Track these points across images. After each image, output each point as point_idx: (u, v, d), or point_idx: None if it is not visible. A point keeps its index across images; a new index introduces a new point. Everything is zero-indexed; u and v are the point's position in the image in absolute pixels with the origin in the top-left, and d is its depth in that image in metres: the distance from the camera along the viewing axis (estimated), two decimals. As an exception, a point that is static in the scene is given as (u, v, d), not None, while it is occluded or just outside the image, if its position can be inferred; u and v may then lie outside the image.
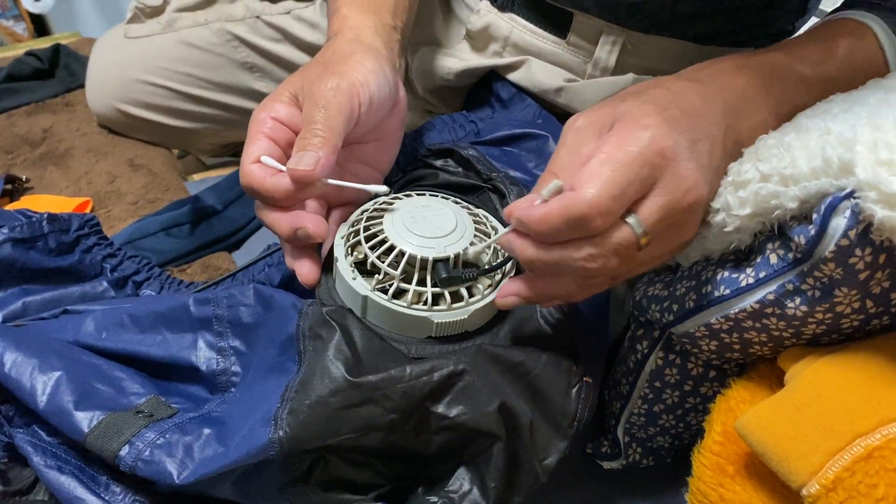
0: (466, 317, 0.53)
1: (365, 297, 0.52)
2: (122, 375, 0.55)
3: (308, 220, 0.52)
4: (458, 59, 0.76)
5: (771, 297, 0.47)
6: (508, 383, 0.51)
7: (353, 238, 0.55)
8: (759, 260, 0.48)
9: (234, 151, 1.15)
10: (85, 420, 0.49)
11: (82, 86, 1.07)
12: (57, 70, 1.17)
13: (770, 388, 0.53)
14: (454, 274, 0.52)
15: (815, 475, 0.43)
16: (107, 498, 0.50)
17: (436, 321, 0.52)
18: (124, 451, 0.48)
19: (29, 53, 1.17)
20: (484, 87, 0.77)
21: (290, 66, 0.94)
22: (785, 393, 0.48)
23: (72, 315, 0.63)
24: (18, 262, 0.66)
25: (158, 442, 0.49)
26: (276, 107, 0.54)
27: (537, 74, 0.72)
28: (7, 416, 0.55)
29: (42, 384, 0.50)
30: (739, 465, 0.51)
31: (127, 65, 0.98)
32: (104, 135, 1.04)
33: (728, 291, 0.49)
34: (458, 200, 0.61)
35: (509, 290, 0.50)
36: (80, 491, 0.50)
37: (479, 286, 0.55)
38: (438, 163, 0.67)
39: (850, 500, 0.42)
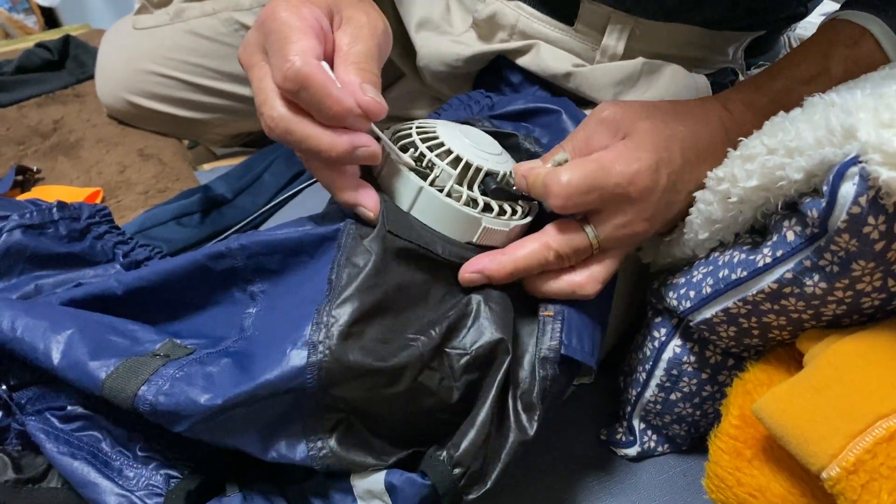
0: (508, 230, 0.54)
1: (420, 189, 0.52)
2: (135, 328, 0.54)
3: (366, 139, 0.50)
4: (465, 45, 0.75)
5: (789, 275, 0.46)
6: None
7: (405, 140, 0.55)
8: (775, 238, 0.48)
9: (243, 141, 1.15)
10: (102, 368, 0.48)
11: (92, 77, 1.07)
12: (67, 61, 1.18)
13: (788, 370, 0.52)
14: (505, 187, 0.54)
15: (836, 458, 0.42)
16: (120, 482, 0.50)
17: (484, 224, 0.53)
18: (143, 389, 0.47)
19: (39, 45, 1.17)
20: (493, 72, 0.76)
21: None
22: (804, 375, 0.47)
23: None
24: (29, 247, 0.65)
25: (177, 375, 0.48)
26: (316, 11, 0.51)
27: (546, 59, 0.71)
28: (19, 403, 0.54)
29: (56, 343, 0.50)
30: (757, 449, 0.51)
31: (135, 56, 0.97)
32: (114, 125, 1.04)
33: (745, 273, 0.49)
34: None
35: (474, 268, 0.52)
36: (93, 476, 0.49)
37: (518, 209, 0.56)
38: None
39: (872, 482, 0.41)
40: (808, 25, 0.84)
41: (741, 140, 0.50)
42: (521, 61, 0.73)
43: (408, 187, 0.53)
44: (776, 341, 0.53)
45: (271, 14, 0.49)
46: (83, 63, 1.16)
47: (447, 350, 0.50)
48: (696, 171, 0.53)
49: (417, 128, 0.56)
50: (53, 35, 1.34)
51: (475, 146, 0.55)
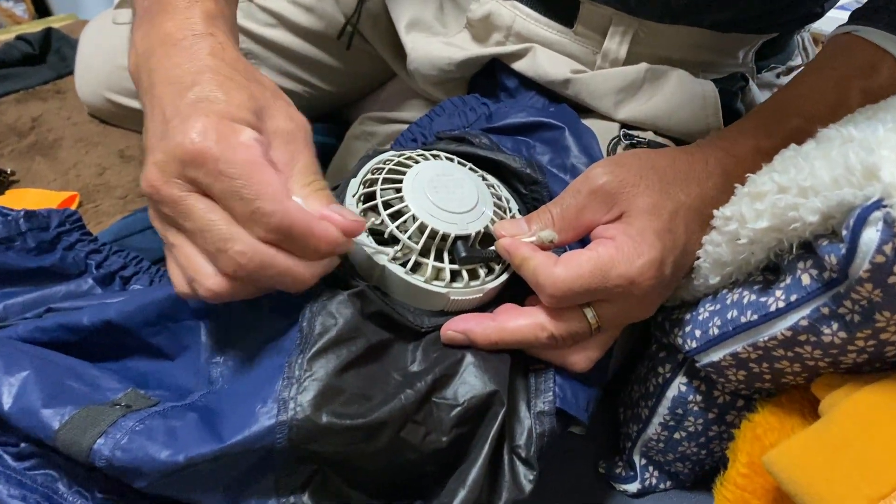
0: (482, 295, 0.50)
1: (382, 268, 0.49)
2: (96, 373, 0.51)
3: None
4: (458, 48, 0.70)
5: (804, 322, 0.42)
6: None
7: (366, 201, 0.51)
8: (789, 281, 0.43)
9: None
10: (56, 417, 0.45)
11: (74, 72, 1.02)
12: (48, 55, 1.13)
13: (802, 414, 0.48)
14: (474, 253, 0.50)
15: (855, 525, 0.38)
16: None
17: (452, 298, 0.49)
18: (100, 442, 0.44)
19: (19, 38, 1.13)
20: (488, 76, 0.72)
21: (285, 53, 0.88)
22: (821, 427, 0.43)
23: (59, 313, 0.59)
24: (-4, 264, 0.62)
25: (137, 428, 0.44)
26: (249, 133, 0.44)
27: (543, 64, 0.66)
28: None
29: (8, 386, 0.46)
30: (767, 500, 0.47)
31: (115, 52, 0.92)
32: (95, 124, 0.99)
33: (756, 317, 0.45)
34: (475, 168, 0.57)
35: (459, 327, 0.48)
36: (45, 520, 0.46)
37: (495, 265, 0.52)
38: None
39: (896, 555, 0.37)
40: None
41: (749, 176, 0.46)
42: (518, 66, 0.68)
43: (372, 264, 0.49)
44: (790, 385, 0.49)
45: (202, 151, 0.40)
46: (65, 57, 1.11)
47: (435, 400, 0.47)
48: (701, 235, 0.50)
49: (383, 184, 0.51)
50: (35, 27, 1.29)
51: (444, 204, 0.50)
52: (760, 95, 0.72)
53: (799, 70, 0.77)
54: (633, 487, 0.61)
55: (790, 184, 0.41)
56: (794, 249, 0.43)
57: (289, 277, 0.43)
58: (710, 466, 0.59)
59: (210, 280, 0.43)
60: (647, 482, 0.60)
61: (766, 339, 0.44)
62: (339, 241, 0.43)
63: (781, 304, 0.43)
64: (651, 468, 0.60)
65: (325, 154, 0.93)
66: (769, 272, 0.47)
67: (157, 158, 0.42)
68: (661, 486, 0.61)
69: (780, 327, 0.43)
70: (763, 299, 0.45)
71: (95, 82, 0.95)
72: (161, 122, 0.43)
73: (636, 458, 0.60)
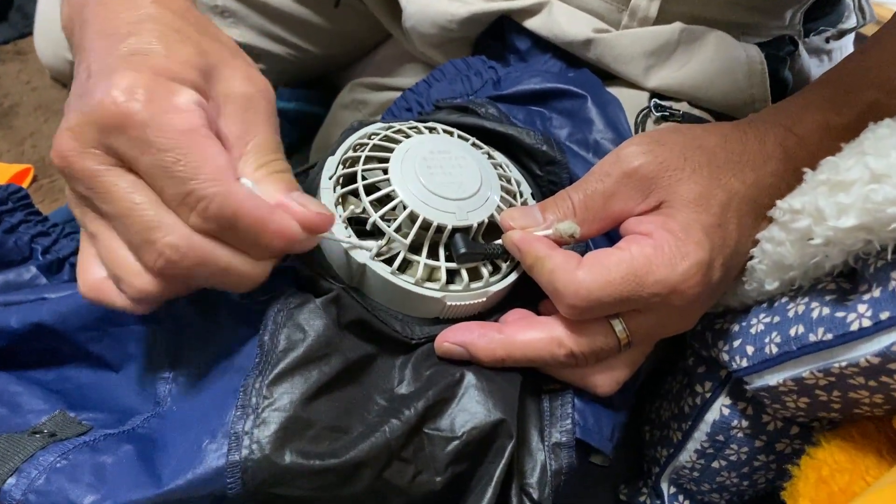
0: (485, 299, 0.42)
1: (363, 267, 0.40)
2: (18, 389, 0.43)
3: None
4: (461, 2, 0.61)
5: (897, 347, 0.33)
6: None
7: (346, 184, 0.42)
8: (878, 294, 0.34)
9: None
10: None
11: (35, 31, 0.94)
12: (10, 12, 1.05)
13: (878, 453, 0.39)
14: (476, 248, 0.41)
15: None
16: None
17: (448, 303, 0.41)
18: (10, 482, 0.36)
19: (-23, -7, 1.03)
20: (495, 37, 0.62)
21: (266, 10, 0.79)
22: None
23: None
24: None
25: (58, 465, 0.37)
26: (190, 95, 0.34)
27: (560, 22, 0.57)
28: None
29: None
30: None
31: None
32: (57, 89, 0.91)
33: (830, 336, 0.36)
34: (479, 143, 0.48)
35: (457, 339, 0.40)
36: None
37: (501, 262, 0.43)
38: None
39: None
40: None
41: (828, 160, 0.37)
42: (530, 24, 0.59)
43: (350, 261, 0.41)
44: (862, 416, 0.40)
45: (126, 113, 0.32)
46: (28, 14, 1.03)
47: (427, 432, 0.38)
48: (755, 231, 0.41)
49: (365, 163, 0.42)
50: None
51: (440, 188, 0.41)
52: (810, 63, 0.63)
53: (853, 33, 0.68)
54: (659, 519, 0.52)
55: (890, 171, 0.32)
56: (890, 254, 0.33)
57: (232, 277, 0.35)
58: (751, 498, 0.50)
59: (139, 279, 0.34)
60: (676, 513, 0.52)
61: (843, 364, 0.35)
62: (298, 236, 0.35)
63: (867, 323, 0.34)
64: (681, 497, 0.52)
65: (310, 126, 0.84)
66: (843, 279, 0.38)
67: (71, 122, 0.33)
68: (693, 517, 0.52)
69: (865, 352, 0.34)
70: (840, 314, 0.36)
71: (57, 42, 0.85)
72: (83, 78, 0.35)
73: (664, 486, 0.52)
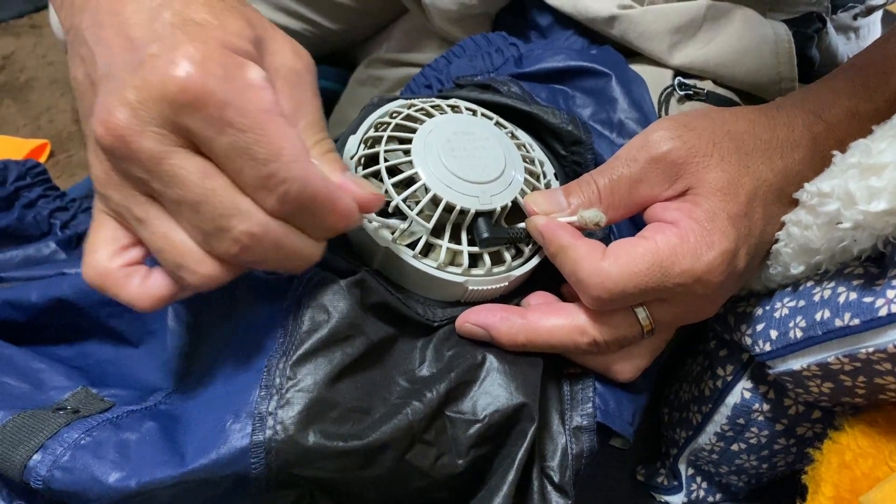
0: (507, 283, 0.42)
1: (386, 250, 0.40)
2: (41, 366, 0.43)
3: None
4: (482, -23, 0.60)
5: (926, 333, 0.33)
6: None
7: (367, 165, 0.42)
8: (907, 278, 0.34)
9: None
10: None
11: (50, 4, 0.93)
12: (25, -15, 1.03)
13: (903, 439, 0.39)
14: (499, 233, 0.41)
15: None
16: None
17: (471, 288, 0.41)
18: (36, 458, 0.36)
19: (-8, -36, 1.02)
20: (516, 13, 0.61)
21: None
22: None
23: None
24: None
25: (83, 442, 0.36)
26: (261, 71, 0.32)
27: (584, -3, 0.56)
28: None
29: None
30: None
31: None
32: (73, 63, 0.90)
33: (857, 321, 0.35)
34: (502, 122, 0.48)
35: (479, 321, 0.40)
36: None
37: (524, 245, 0.43)
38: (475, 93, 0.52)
39: None
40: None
41: (859, 142, 0.36)
42: (552, 0, 0.57)
43: (372, 243, 0.40)
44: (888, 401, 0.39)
45: (204, 90, 0.29)
46: (44, -14, 1.01)
47: (449, 415, 0.38)
48: (779, 217, 0.41)
49: (387, 144, 0.42)
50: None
51: (463, 171, 0.41)
52: (838, 41, 0.61)
53: (881, 10, 0.66)
54: (676, 500, 0.52)
55: (926, 154, 0.31)
56: (922, 238, 0.33)
57: (296, 259, 0.34)
58: (769, 480, 0.50)
59: (203, 266, 0.33)
60: (694, 494, 0.52)
61: (869, 350, 0.35)
62: (356, 217, 0.34)
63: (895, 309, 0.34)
64: (699, 479, 0.52)
65: (327, 102, 0.83)
66: (871, 263, 0.37)
67: (129, 97, 0.29)
68: (710, 498, 0.52)
69: (893, 338, 0.34)
70: (868, 299, 0.35)
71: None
72: (126, 48, 0.31)
73: (682, 468, 0.52)
